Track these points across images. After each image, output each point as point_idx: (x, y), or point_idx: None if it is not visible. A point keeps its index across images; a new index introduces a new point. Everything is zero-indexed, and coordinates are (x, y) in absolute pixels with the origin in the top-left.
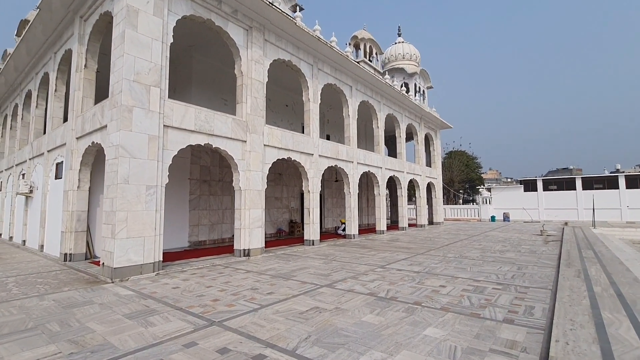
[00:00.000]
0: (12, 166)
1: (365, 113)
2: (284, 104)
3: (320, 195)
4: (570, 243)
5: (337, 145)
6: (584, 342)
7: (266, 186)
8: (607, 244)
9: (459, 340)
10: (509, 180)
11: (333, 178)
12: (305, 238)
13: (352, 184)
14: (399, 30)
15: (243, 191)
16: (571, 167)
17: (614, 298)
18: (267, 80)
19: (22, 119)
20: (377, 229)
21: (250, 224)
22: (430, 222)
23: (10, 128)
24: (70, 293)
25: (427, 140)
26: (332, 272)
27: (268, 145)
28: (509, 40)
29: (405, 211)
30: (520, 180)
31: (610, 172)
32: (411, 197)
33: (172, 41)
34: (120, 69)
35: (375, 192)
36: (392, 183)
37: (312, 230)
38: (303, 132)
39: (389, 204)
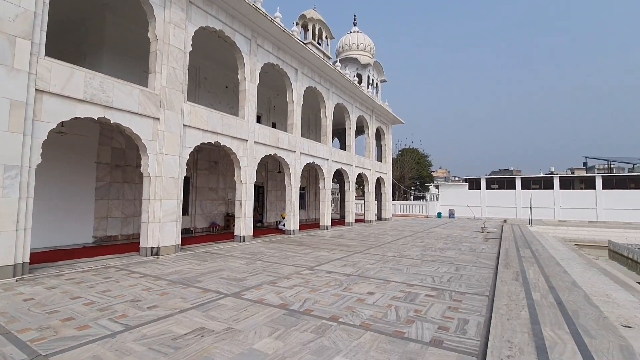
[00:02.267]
0: None
1: (315, 102)
2: (223, 84)
3: (263, 187)
4: (508, 241)
5: (277, 132)
6: None
7: (185, 174)
8: (542, 242)
9: None
10: (457, 178)
11: (277, 169)
12: (235, 234)
13: (293, 176)
14: (355, 19)
15: (153, 178)
16: (512, 168)
17: (554, 308)
18: (190, 49)
19: None
20: (321, 224)
21: (161, 217)
22: (379, 218)
23: None
24: None
25: (379, 135)
26: (249, 275)
27: (189, 126)
28: (463, 44)
29: (352, 206)
30: (466, 179)
31: (545, 174)
32: (363, 193)
33: None
34: None
35: (320, 186)
36: (341, 177)
37: (243, 225)
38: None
39: (338, 199)
